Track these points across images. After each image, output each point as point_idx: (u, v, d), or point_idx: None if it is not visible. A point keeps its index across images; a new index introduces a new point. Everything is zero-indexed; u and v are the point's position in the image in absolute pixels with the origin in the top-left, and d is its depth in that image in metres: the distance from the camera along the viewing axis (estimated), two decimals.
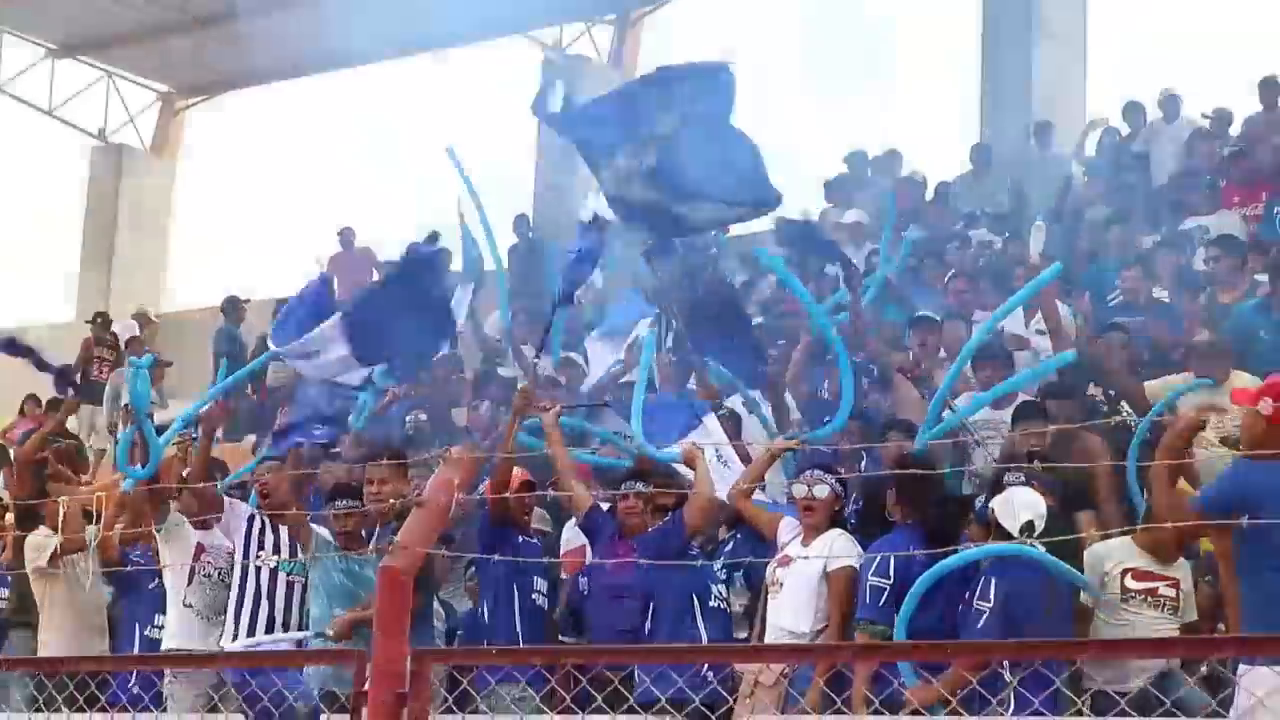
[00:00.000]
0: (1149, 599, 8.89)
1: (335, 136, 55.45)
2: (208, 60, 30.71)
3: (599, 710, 7.31)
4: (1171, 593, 8.91)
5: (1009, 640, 7.77)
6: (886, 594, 8.83)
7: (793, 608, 9.28)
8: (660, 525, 9.85)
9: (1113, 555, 8.93)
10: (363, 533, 10.28)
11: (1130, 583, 8.92)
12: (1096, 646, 6.56)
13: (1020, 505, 8.50)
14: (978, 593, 8.36)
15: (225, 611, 10.66)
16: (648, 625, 9.54)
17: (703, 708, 7.51)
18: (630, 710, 8.27)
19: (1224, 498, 7.59)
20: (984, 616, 8.28)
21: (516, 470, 10.34)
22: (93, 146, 32.49)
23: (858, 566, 9.16)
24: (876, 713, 8.08)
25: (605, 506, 10.16)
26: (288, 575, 10.49)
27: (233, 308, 21.79)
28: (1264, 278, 12.87)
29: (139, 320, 23.54)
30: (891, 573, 8.82)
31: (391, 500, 9.86)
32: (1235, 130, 18.30)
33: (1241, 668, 7.02)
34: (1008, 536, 8.42)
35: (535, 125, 27.90)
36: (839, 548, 9.29)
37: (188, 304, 29.51)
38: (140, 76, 32.31)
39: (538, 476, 10.84)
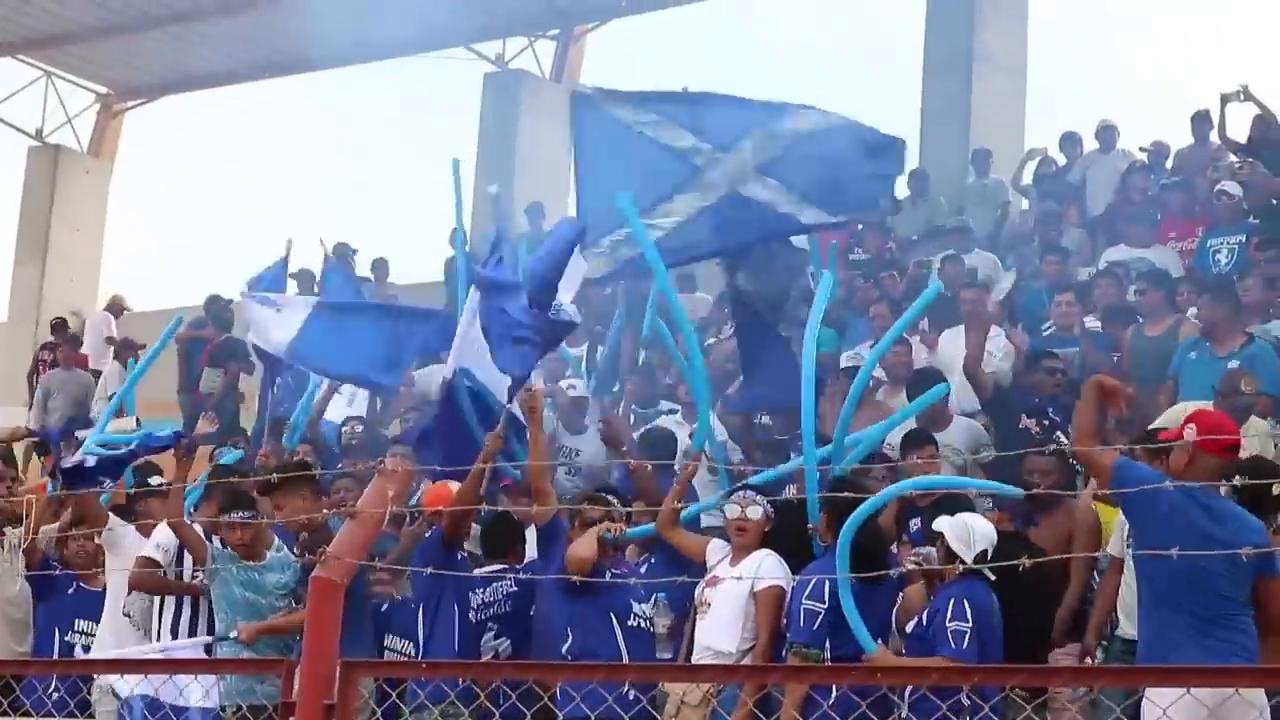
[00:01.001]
0: None
1: (274, 142, 55.36)
2: (147, 63, 30.57)
3: None
4: None
5: (914, 662, 7.83)
6: (821, 617, 8.80)
7: (719, 627, 9.25)
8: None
9: None
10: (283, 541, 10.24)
11: None
12: (1025, 674, 6.56)
13: (978, 534, 8.54)
14: (950, 613, 8.33)
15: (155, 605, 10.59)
16: (566, 643, 9.51)
17: None
18: None
19: (1136, 483, 7.72)
20: (965, 636, 8.28)
21: (453, 485, 10.27)
22: (30, 146, 32.28)
23: (786, 587, 9.16)
24: None
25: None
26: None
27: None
28: (1192, 310, 12.99)
29: (114, 309, 23.43)
30: (826, 596, 8.80)
31: (302, 517, 9.78)
32: (1171, 163, 18.48)
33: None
34: (957, 561, 8.46)
35: (475, 135, 27.97)
36: (767, 567, 9.27)
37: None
38: (79, 77, 32.11)
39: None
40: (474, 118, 28.44)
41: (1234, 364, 11.65)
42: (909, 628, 8.68)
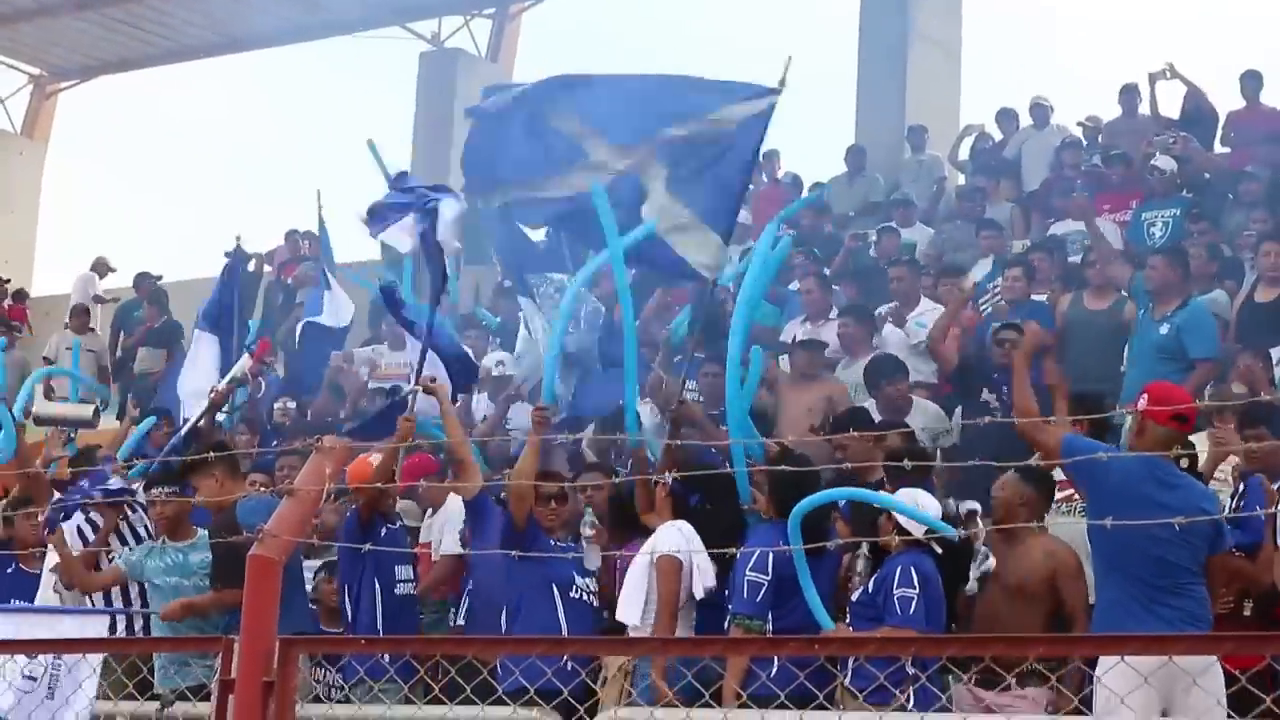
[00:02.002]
0: (1064, 505, 9.52)
1: (209, 122, 55.04)
2: (80, 44, 30.34)
3: (468, 701, 7.25)
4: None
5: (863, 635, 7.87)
6: (765, 589, 8.84)
7: (625, 601, 9.35)
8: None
9: None
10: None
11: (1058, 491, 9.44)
12: (961, 644, 6.59)
13: (926, 509, 8.60)
14: (897, 579, 8.38)
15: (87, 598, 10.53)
16: (503, 614, 9.50)
17: (570, 699, 7.47)
18: (498, 701, 8.22)
19: (1084, 453, 7.82)
20: (913, 602, 8.32)
21: (374, 457, 10.26)
22: None
23: (684, 557, 9.20)
24: (743, 706, 8.07)
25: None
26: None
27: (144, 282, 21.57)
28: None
29: (99, 269, 23.38)
30: (770, 568, 8.82)
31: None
32: (1102, 137, 18.64)
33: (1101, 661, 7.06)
34: (905, 534, 8.50)
35: (411, 114, 27.86)
36: (664, 538, 9.34)
37: (55, 288, 29.12)
38: (12, 59, 31.83)
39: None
40: (410, 97, 28.36)
41: (1165, 328, 11.76)
42: (854, 596, 8.71)
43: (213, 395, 12.83)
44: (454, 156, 26.17)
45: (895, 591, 8.36)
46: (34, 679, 7.90)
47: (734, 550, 8.82)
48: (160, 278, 21.67)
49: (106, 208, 54.66)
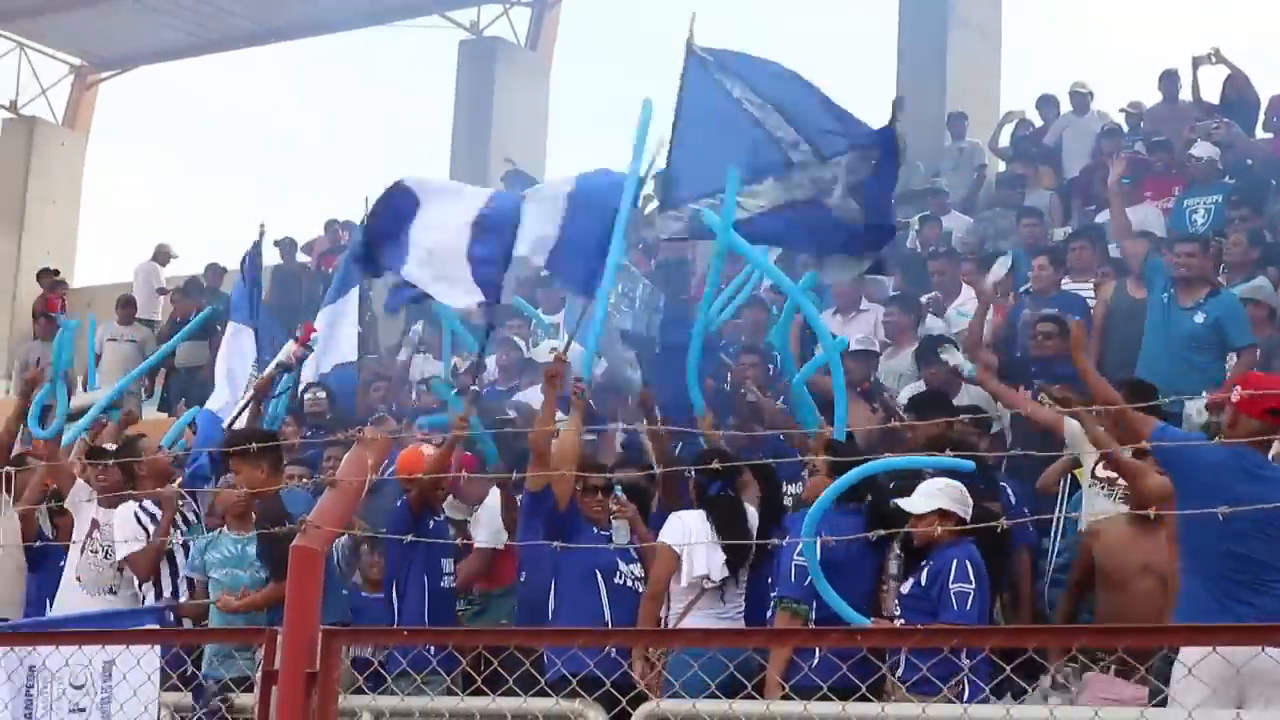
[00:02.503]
0: (1106, 487, 9.42)
1: (248, 112, 55.21)
2: (121, 34, 30.45)
3: (511, 692, 7.27)
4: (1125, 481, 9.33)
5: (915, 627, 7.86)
6: (810, 574, 8.82)
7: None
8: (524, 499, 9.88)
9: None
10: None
11: (1099, 471, 9.50)
12: (1004, 634, 6.59)
13: (965, 495, 8.60)
14: (953, 574, 8.35)
15: (111, 588, 10.62)
16: (550, 601, 9.52)
17: (613, 690, 7.47)
18: (541, 692, 8.24)
19: (1177, 442, 7.78)
20: (969, 598, 8.28)
21: (427, 449, 10.28)
22: (4, 119, 32.15)
23: (677, 546, 9.25)
24: (786, 698, 8.06)
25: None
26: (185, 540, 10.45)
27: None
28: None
29: (160, 258, 23.39)
30: (818, 552, 8.81)
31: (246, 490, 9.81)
32: (1144, 124, 18.55)
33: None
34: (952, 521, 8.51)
35: (451, 103, 27.89)
36: (667, 526, 9.45)
37: (96, 279, 29.31)
38: (53, 49, 31.98)
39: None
40: (449, 86, 28.39)
41: (1199, 316, 11.69)
42: (904, 589, 8.63)
43: (256, 382, 12.84)
44: (493, 145, 26.32)
45: (951, 586, 8.27)
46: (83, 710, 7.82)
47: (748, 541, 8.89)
48: (225, 270, 21.70)
49: (147, 198, 54.91)
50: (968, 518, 8.46)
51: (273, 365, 12.93)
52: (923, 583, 8.46)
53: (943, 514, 8.49)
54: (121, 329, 20.05)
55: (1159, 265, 12.30)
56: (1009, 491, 9.95)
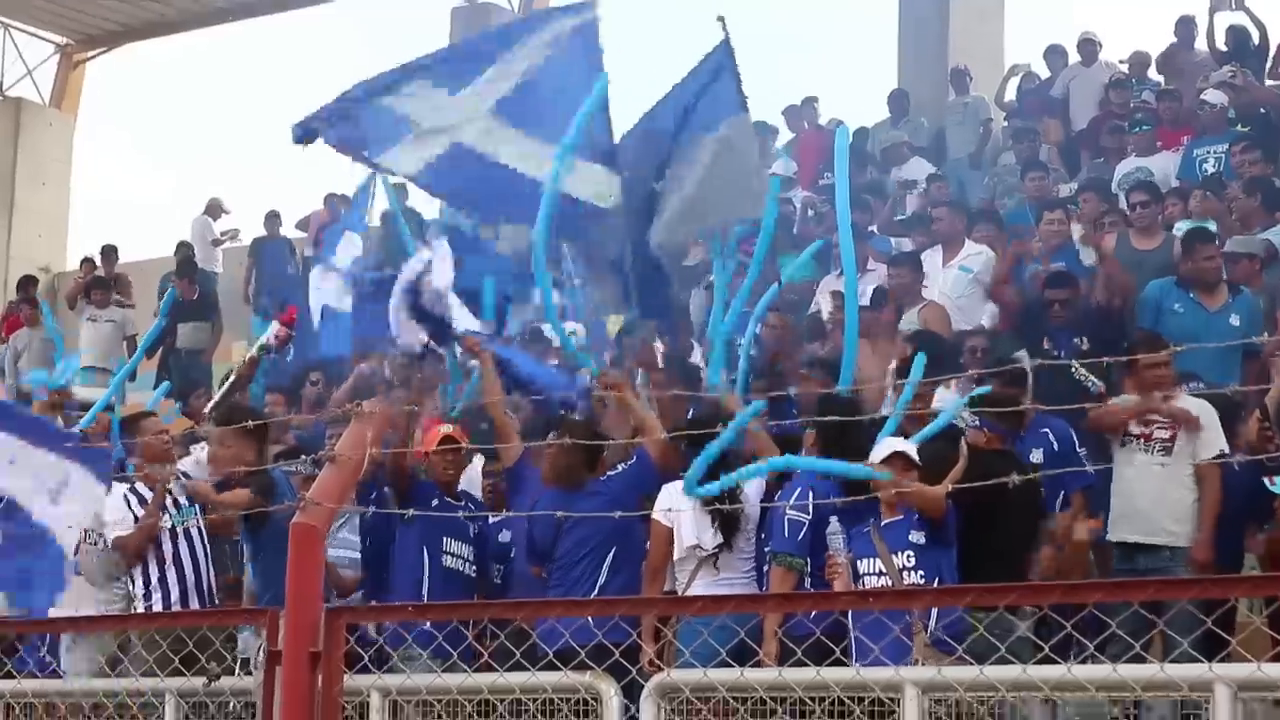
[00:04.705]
0: (1143, 443, 9.61)
1: (239, 86, 55.14)
2: (106, 10, 30.34)
3: (518, 666, 7.30)
4: (1165, 434, 9.58)
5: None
6: (805, 527, 8.91)
7: (692, 522, 9.42)
8: (628, 468, 9.77)
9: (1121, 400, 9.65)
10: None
11: (1134, 427, 9.68)
12: (1020, 593, 6.59)
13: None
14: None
15: (113, 579, 10.58)
16: (602, 576, 9.45)
17: (622, 660, 7.48)
18: (550, 665, 8.25)
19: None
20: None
21: (445, 427, 10.26)
22: None
23: (662, 517, 9.30)
24: (787, 650, 8.10)
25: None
26: (182, 525, 10.43)
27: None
28: (1178, 231, 12.98)
29: (212, 211, 23.52)
30: (810, 507, 8.89)
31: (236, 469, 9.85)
32: (1153, 72, 18.52)
33: None
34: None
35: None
36: (659, 499, 9.46)
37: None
38: (37, 27, 31.86)
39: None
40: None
41: (1235, 319, 11.70)
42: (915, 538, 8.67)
43: (239, 367, 12.80)
44: None
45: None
46: None
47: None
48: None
49: (138, 177, 54.87)
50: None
51: (255, 348, 12.90)
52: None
53: (902, 456, 8.60)
54: (98, 310, 19.85)
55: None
56: (1050, 437, 9.97)
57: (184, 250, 21.85)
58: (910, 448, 8.64)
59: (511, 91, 10.22)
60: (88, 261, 22.66)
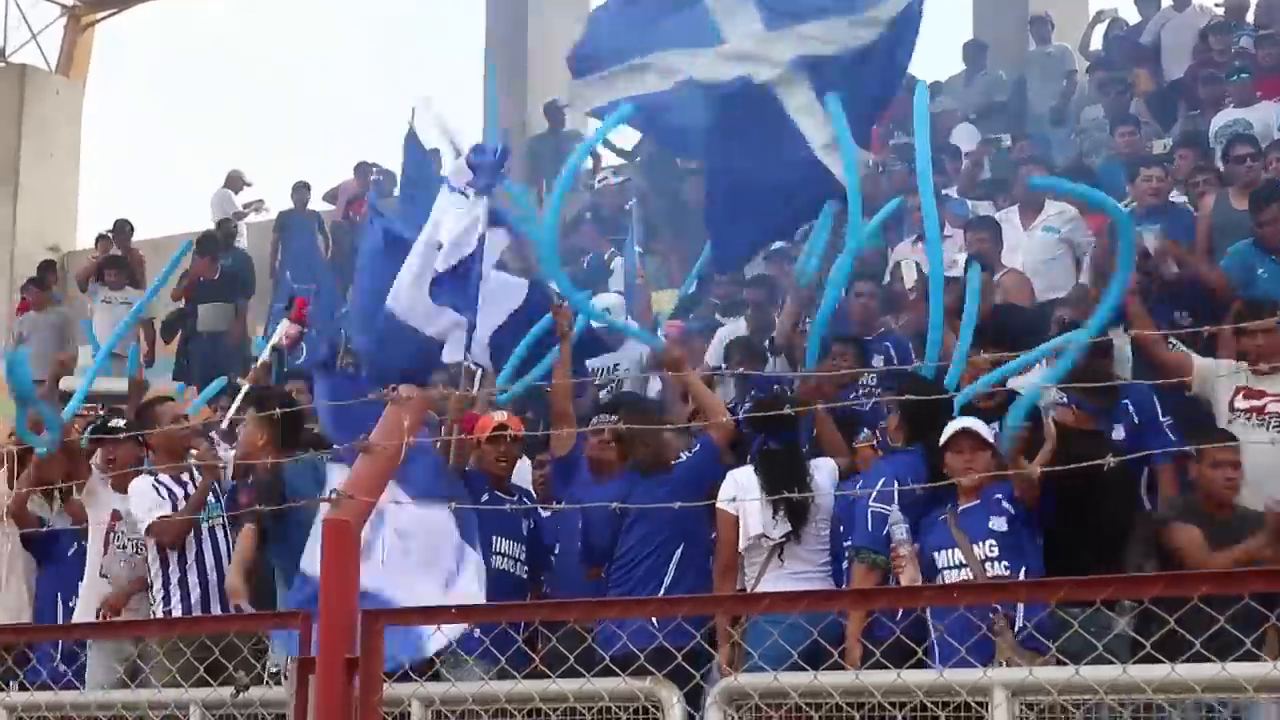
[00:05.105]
0: (1256, 417, 9.47)
1: (261, 49, 55.27)
2: None
3: (572, 672, 7.24)
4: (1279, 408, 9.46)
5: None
6: (889, 522, 8.83)
7: (753, 511, 9.41)
8: (693, 457, 9.73)
9: (1221, 371, 9.59)
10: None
11: (1239, 402, 9.56)
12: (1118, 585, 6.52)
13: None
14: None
15: (141, 585, 10.57)
16: (669, 575, 9.42)
17: (684, 663, 7.42)
18: (607, 670, 8.20)
19: None
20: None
21: (499, 415, 10.21)
22: None
23: (729, 506, 9.27)
24: (869, 654, 8.05)
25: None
26: (207, 523, 10.43)
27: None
28: None
29: (233, 185, 23.63)
30: (895, 500, 8.83)
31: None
32: (1251, 16, 18.33)
33: None
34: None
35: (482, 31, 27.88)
36: (723, 487, 9.44)
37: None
38: None
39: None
40: (480, 17, 28.32)
41: None
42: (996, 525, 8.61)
43: (251, 375, 12.69)
44: (531, 69, 26.25)
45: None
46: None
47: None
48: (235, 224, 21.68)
49: (150, 147, 55.04)
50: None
51: (267, 350, 12.85)
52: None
53: (970, 435, 8.54)
54: (113, 292, 19.71)
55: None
56: (1130, 410, 9.80)
57: (224, 226, 21.59)
58: (981, 426, 8.57)
59: None
60: (104, 239, 22.55)
